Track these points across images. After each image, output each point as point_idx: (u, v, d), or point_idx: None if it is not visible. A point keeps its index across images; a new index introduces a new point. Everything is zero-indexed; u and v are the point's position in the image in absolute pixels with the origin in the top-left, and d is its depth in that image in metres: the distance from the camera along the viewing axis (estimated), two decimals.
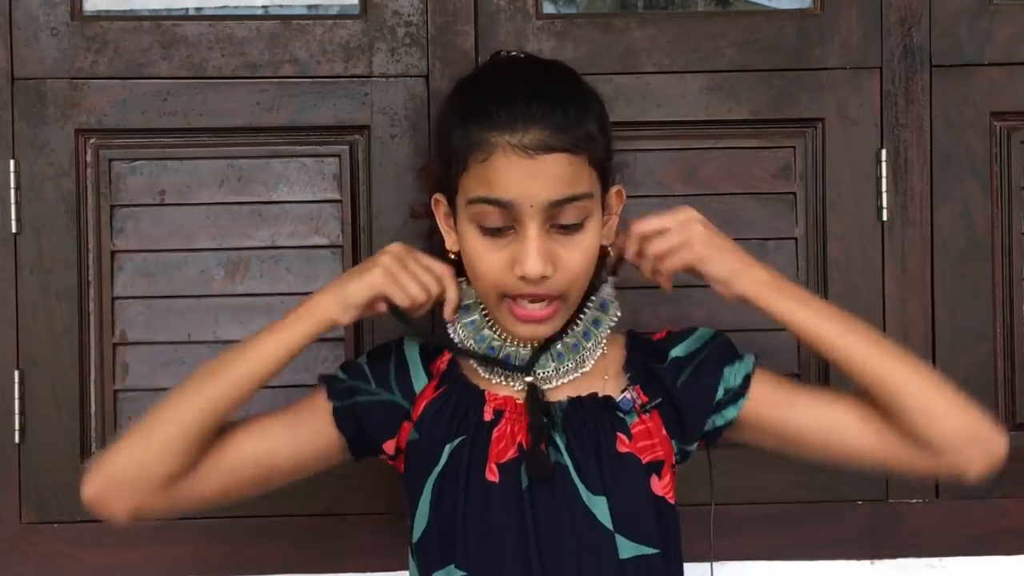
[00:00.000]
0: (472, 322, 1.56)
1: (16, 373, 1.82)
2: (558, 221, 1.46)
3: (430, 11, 1.85)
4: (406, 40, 1.85)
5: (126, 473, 1.48)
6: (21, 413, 1.82)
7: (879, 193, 1.88)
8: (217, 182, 1.85)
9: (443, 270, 1.54)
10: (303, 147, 1.86)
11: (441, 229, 1.57)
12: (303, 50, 1.85)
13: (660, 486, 1.53)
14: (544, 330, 1.51)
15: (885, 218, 1.88)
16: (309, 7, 1.98)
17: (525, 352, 1.55)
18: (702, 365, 1.57)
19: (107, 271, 1.83)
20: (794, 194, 1.88)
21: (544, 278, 1.46)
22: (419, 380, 1.57)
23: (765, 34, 1.88)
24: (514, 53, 1.62)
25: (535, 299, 1.48)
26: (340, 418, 1.55)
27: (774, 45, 1.88)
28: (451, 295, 1.54)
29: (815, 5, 1.89)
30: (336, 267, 1.85)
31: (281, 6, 1.98)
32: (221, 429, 1.52)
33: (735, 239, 1.85)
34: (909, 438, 1.51)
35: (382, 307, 1.53)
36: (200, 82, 1.84)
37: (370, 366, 1.57)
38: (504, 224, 1.46)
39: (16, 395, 1.82)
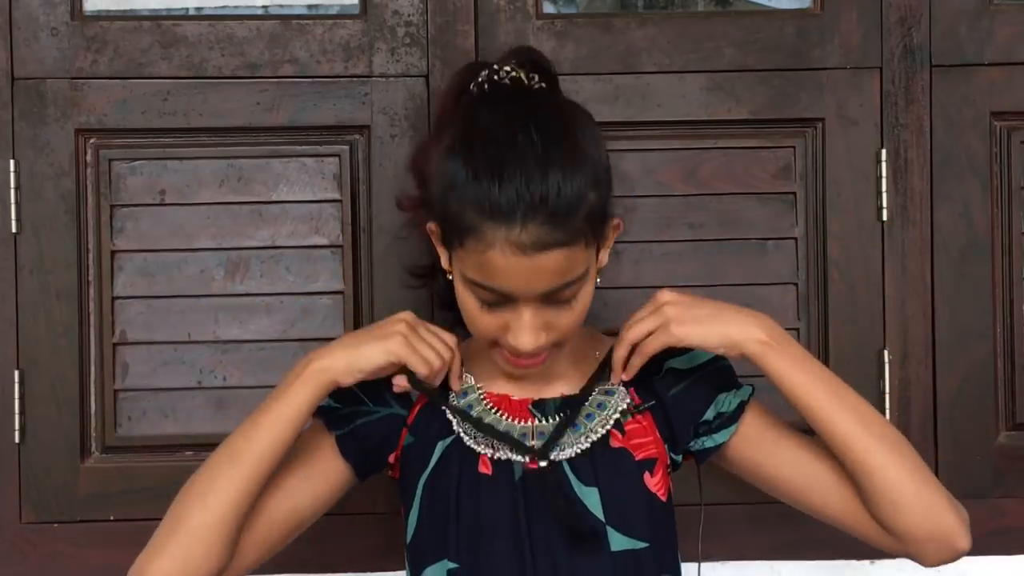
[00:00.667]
0: (469, 407, 1.55)
1: (16, 373, 1.82)
2: (553, 300, 1.46)
3: (430, 11, 1.85)
4: (406, 40, 1.85)
5: None
6: (21, 413, 1.82)
7: (879, 193, 1.88)
8: (217, 182, 1.85)
9: (451, 339, 1.52)
10: (303, 147, 1.86)
11: (437, 248, 1.54)
12: (303, 50, 1.85)
13: (652, 483, 1.54)
14: (537, 370, 1.53)
15: (885, 218, 1.88)
16: (309, 7, 1.98)
17: (524, 427, 1.54)
18: (698, 382, 1.58)
19: (107, 271, 1.83)
20: (794, 194, 1.88)
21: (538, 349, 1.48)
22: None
23: (765, 34, 1.88)
24: (508, 76, 1.53)
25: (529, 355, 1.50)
26: (343, 446, 1.55)
27: (774, 45, 1.88)
28: (455, 366, 1.54)
29: (815, 5, 1.89)
30: (336, 267, 1.85)
31: (281, 6, 1.98)
32: None
33: (735, 239, 1.87)
34: (874, 518, 1.51)
35: (401, 381, 1.51)
36: (200, 82, 1.84)
37: (361, 388, 1.55)
38: (499, 301, 1.45)
39: (16, 395, 1.82)
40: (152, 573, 1.47)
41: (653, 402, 1.56)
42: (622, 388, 1.56)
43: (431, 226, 1.52)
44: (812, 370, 1.52)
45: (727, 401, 1.57)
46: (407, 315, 1.51)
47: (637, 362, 1.54)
